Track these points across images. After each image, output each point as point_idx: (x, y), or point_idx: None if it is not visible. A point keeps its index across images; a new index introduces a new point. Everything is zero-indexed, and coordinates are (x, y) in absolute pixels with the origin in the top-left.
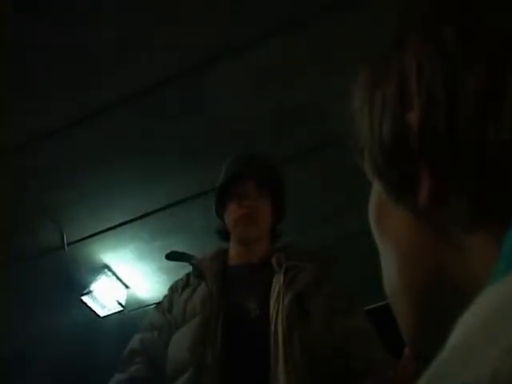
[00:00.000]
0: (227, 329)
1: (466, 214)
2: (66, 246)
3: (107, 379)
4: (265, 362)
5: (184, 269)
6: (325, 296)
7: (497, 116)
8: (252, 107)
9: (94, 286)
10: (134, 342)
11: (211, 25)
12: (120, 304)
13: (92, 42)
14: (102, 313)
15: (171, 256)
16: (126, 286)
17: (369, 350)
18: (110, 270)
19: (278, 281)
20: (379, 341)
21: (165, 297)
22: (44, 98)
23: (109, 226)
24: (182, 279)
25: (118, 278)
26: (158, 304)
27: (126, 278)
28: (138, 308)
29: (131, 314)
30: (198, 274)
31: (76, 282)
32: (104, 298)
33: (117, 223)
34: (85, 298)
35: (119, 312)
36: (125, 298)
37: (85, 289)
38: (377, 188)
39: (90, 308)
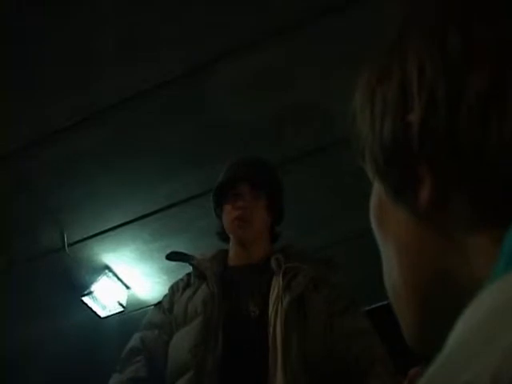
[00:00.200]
0: (227, 330)
1: (467, 215)
2: (66, 247)
3: (108, 380)
4: (263, 364)
5: (185, 269)
6: (324, 297)
7: (498, 117)
8: (252, 108)
9: (94, 287)
10: (134, 340)
11: (211, 25)
12: (121, 305)
13: (93, 42)
14: (102, 313)
15: (171, 256)
16: (127, 287)
17: (369, 350)
18: (110, 270)
19: (276, 282)
20: (379, 340)
21: (165, 296)
22: (44, 98)
23: (109, 226)
24: (182, 279)
25: (118, 279)
26: (158, 303)
27: (127, 278)
28: (139, 309)
29: (132, 315)
30: (198, 274)
31: (77, 283)
32: (105, 298)
33: (117, 224)
34: (85, 299)
35: (120, 313)
36: (125, 298)
37: (85, 289)
38: (378, 188)
39: (90, 309)
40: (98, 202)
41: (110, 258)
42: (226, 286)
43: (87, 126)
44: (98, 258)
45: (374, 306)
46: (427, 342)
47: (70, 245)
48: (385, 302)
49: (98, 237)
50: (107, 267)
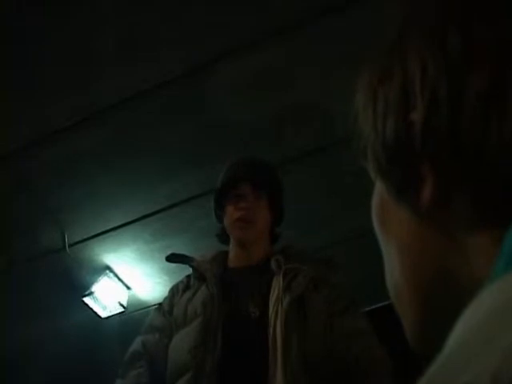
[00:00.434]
0: (227, 331)
1: (468, 214)
2: (67, 247)
3: (109, 380)
4: (263, 365)
5: (186, 270)
6: (324, 297)
7: (498, 118)
8: (252, 108)
9: (95, 287)
10: (136, 343)
11: (211, 25)
12: (121, 305)
13: (93, 42)
14: (103, 314)
15: (171, 258)
16: (128, 287)
17: (369, 351)
18: (111, 271)
19: (277, 283)
20: (379, 341)
21: (165, 299)
22: (44, 98)
23: (110, 227)
24: (182, 281)
25: (119, 279)
26: (159, 306)
27: (128, 279)
28: (140, 309)
29: (133, 315)
30: (198, 276)
31: (77, 283)
32: (105, 299)
33: (118, 224)
34: (86, 299)
35: (121, 313)
36: (126, 299)
37: (86, 290)
38: (379, 187)
39: (91, 309)
40: (99, 202)
41: (110, 258)
42: (225, 288)
43: (87, 126)
44: (99, 259)
45: (374, 306)
46: (428, 341)
47: (70, 245)
48: (385, 303)
49: (99, 237)
50: (108, 267)
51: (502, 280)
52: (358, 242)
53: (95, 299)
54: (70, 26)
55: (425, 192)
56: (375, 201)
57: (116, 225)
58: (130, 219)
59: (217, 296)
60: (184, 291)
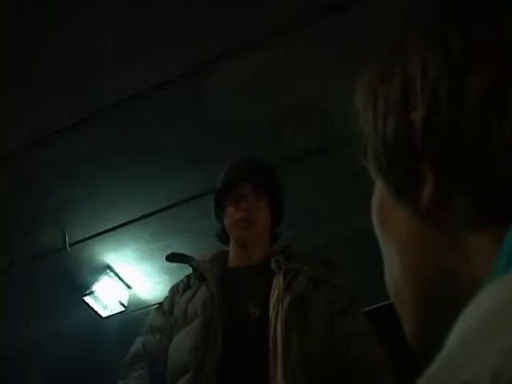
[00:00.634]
0: (227, 331)
1: (468, 214)
2: (68, 247)
3: (109, 380)
4: (263, 365)
5: (186, 269)
6: (324, 297)
7: (498, 118)
8: (252, 108)
9: (96, 287)
10: (136, 344)
11: (211, 25)
12: (122, 304)
13: (93, 42)
14: (104, 313)
15: (171, 258)
16: (128, 287)
17: (369, 351)
18: (112, 270)
19: (277, 283)
20: (379, 341)
21: (165, 298)
22: (44, 98)
23: (111, 226)
24: (182, 281)
25: (120, 279)
26: (159, 305)
27: (128, 278)
28: (140, 308)
29: (133, 315)
30: (198, 275)
31: (78, 283)
32: (106, 298)
33: (119, 224)
34: (87, 299)
35: (121, 312)
36: (127, 298)
37: (87, 289)
38: (380, 187)
39: (92, 308)
40: (99, 201)
41: (111, 257)
42: (225, 288)
43: (87, 126)
44: (100, 258)
45: (374, 306)
46: (428, 341)
47: (71, 245)
48: (385, 303)
49: (100, 237)
50: (108, 267)
51: (502, 280)
52: (358, 242)
53: (96, 298)
54: (70, 25)
55: (425, 192)
56: (375, 200)
57: (116, 224)
58: (130, 219)
59: (217, 296)
60: (184, 291)
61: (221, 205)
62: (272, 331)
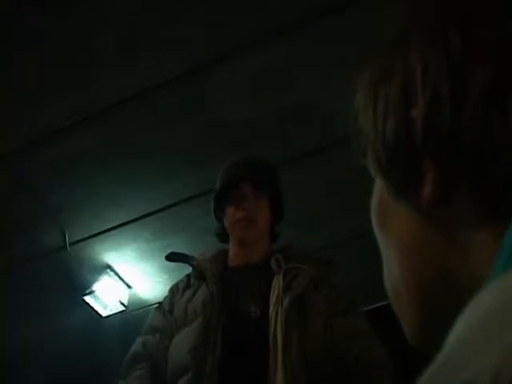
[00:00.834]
0: (227, 331)
1: (468, 213)
2: (68, 246)
3: (109, 379)
4: (264, 364)
5: (186, 268)
6: (324, 297)
7: (498, 118)
8: (252, 108)
9: (96, 286)
10: (137, 345)
11: (211, 25)
12: (122, 304)
13: (93, 42)
14: (104, 313)
15: (171, 257)
16: (128, 286)
17: (369, 351)
18: (112, 269)
19: (277, 283)
20: (379, 340)
21: (165, 298)
22: (44, 98)
23: (111, 226)
24: (182, 280)
25: (120, 278)
26: (159, 305)
27: (128, 277)
28: (141, 308)
29: (133, 314)
30: (198, 275)
31: (78, 282)
32: (106, 297)
33: (119, 223)
34: (87, 298)
35: (121, 312)
36: (127, 297)
37: (87, 289)
38: (380, 186)
39: (92, 308)
40: (99, 201)
41: (111, 257)
42: (225, 287)
43: (87, 126)
44: (100, 258)
45: (373, 306)
46: (428, 341)
47: (71, 244)
48: (385, 303)
49: (100, 236)
50: (108, 266)
51: (501, 279)
52: (358, 242)
53: (96, 298)
54: (70, 26)
55: (425, 190)
56: (375, 200)
57: (116, 224)
58: (130, 218)
59: (217, 296)
60: (184, 290)
61: (221, 205)
62: (272, 331)
